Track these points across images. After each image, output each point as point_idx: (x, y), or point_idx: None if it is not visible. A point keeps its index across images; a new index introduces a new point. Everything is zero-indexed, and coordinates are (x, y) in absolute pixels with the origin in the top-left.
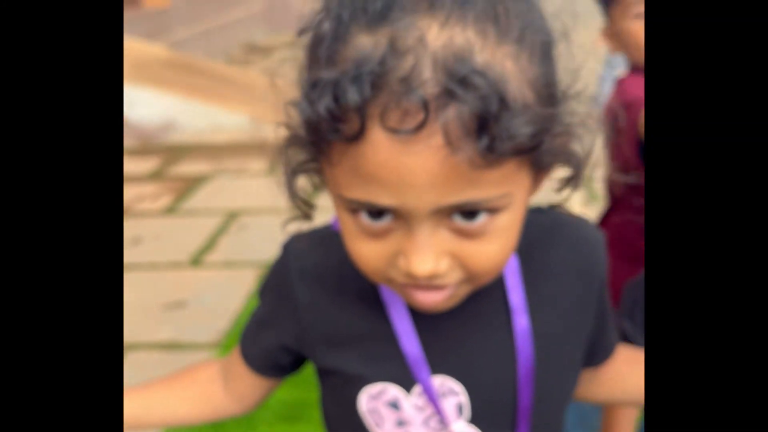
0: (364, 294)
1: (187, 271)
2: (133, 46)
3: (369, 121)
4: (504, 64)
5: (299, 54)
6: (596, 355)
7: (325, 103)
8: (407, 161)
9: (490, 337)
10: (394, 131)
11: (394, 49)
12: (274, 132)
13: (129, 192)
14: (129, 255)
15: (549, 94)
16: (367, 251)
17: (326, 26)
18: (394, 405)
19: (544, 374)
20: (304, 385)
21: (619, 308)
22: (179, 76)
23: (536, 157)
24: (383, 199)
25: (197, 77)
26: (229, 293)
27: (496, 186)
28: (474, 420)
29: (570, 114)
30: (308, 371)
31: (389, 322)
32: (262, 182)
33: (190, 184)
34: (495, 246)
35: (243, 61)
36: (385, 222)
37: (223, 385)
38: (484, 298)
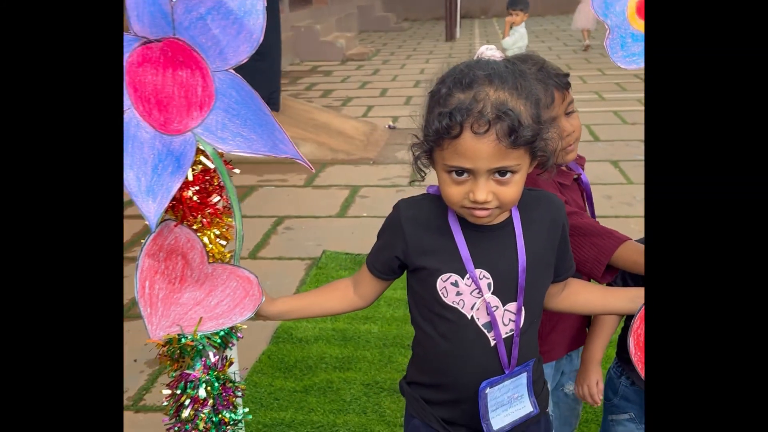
0: (439, 228)
1: (248, 262)
2: None
3: (464, 129)
4: (519, 107)
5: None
6: (560, 271)
7: (446, 121)
8: (479, 146)
9: (505, 249)
10: (474, 133)
11: (475, 99)
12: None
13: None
14: None
15: (538, 119)
16: (455, 191)
17: (443, 88)
18: (455, 284)
19: (532, 269)
20: (351, 346)
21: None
22: None
23: (532, 148)
24: (466, 164)
25: None
26: (283, 280)
27: (515, 160)
28: (495, 292)
29: (546, 132)
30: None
31: (453, 240)
32: (300, 192)
33: (240, 193)
34: (512, 190)
35: None
36: (464, 177)
37: (353, 290)
38: (503, 229)
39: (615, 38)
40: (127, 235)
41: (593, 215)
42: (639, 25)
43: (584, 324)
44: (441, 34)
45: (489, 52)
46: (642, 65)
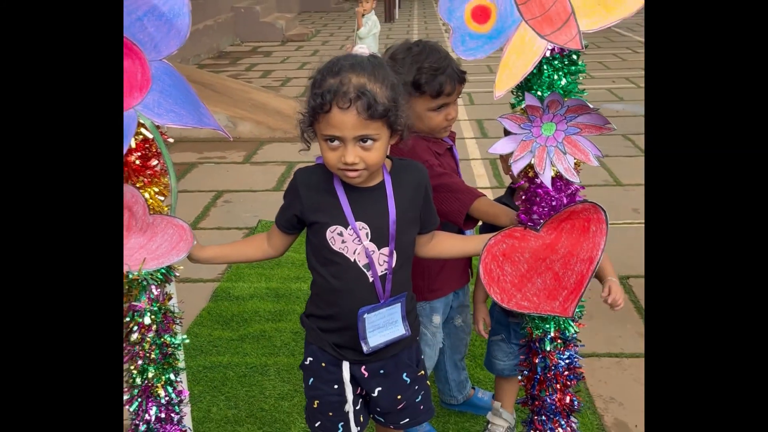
0: (327, 190)
1: None
2: None
3: (333, 105)
4: (376, 89)
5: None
6: (425, 224)
7: (319, 99)
8: (344, 118)
9: (379, 205)
10: (340, 108)
11: (341, 83)
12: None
13: None
14: None
15: (393, 99)
16: (331, 156)
17: (318, 76)
18: (340, 234)
19: (401, 221)
20: (283, 302)
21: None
22: None
23: (388, 121)
24: (336, 133)
25: None
26: None
27: (374, 130)
28: (372, 240)
29: (399, 109)
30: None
31: (338, 200)
32: (239, 168)
33: (182, 170)
34: (374, 155)
35: (212, 65)
36: (336, 143)
37: (267, 243)
38: (378, 190)
39: (457, 37)
40: None
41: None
42: (473, 27)
43: (466, 267)
44: (381, 15)
45: (360, 49)
46: (477, 57)
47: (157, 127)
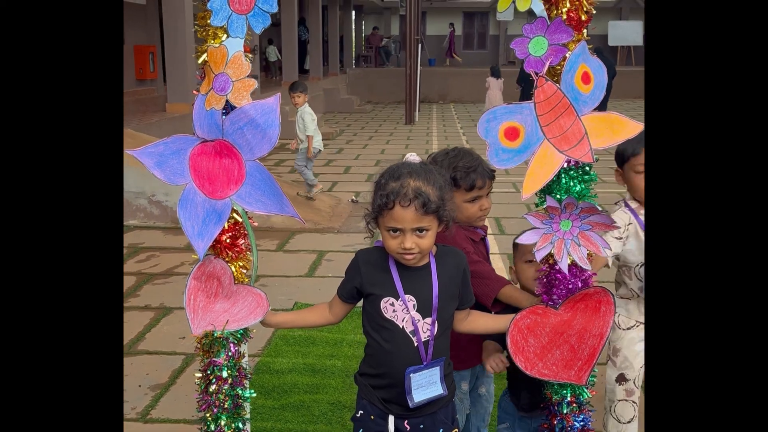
0: (383, 268)
1: None
2: None
3: (396, 204)
4: (429, 190)
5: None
6: (463, 300)
7: (385, 199)
8: (404, 214)
9: (425, 282)
10: (402, 206)
11: (401, 186)
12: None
13: (175, 259)
14: None
15: (441, 198)
16: (392, 243)
17: (382, 180)
18: (392, 304)
19: (442, 295)
20: (319, 376)
21: None
22: None
23: (438, 215)
24: (398, 226)
25: None
26: None
27: (427, 222)
28: (418, 310)
29: (446, 205)
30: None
31: (392, 276)
32: (273, 255)
33: None
34: (427, 241)
35: None
36: (397, 234)
37: (329, 311)
38: (424, 269)
39: (492, 150)
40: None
41: (489, 264)
42: (505, 143)
43: None
44: (401, 117)
45: (411, 157)
46: (508, 167)
47: (246, 213)
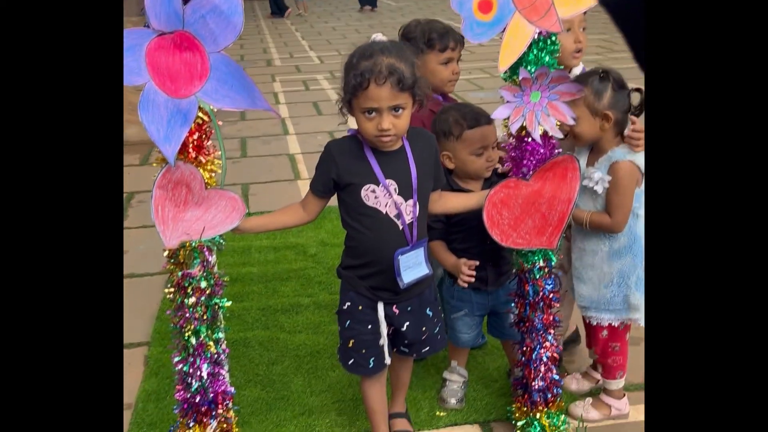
0: (359, 156)
1: None
2: None
3: (370, 82)
4: (403, 66)
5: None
6: (435, 182)
7: (359, 78)
8: (380, 92)
9: (402, 164)
10: (377, 84)
11: (375, 63)
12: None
13: None
14: None
15: (414, 74)
16: (368, 125)
17: (353, 59)
18: (373, 191)
19: (420, 177)
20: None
21: None
22: None
23: (413, 92)
24: (374, 105)
25: None
26: None
27: (404, 99)
28: (399, 194)
29: (420, 82)
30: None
31: (369, 163)
32: (139, 171)
33: None
34: (403, 122)
35: None
36: (373, 115)
37: (302, 208)
38: (400, 152)
39: (466, 25)
40: None
41: None
42: (479, 16)
43: None
44: None
45: (378, 37)
46: (483, 41)
47: (213, 111)
